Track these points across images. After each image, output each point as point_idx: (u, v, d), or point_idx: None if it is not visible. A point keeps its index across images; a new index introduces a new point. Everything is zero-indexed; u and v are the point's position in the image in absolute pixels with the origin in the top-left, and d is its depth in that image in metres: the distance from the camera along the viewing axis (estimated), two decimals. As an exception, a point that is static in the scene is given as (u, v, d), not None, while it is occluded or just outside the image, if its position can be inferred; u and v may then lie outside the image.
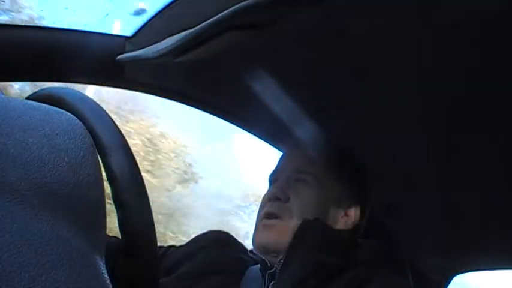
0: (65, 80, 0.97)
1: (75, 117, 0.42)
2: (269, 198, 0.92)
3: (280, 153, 1.05)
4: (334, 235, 0.88)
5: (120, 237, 0.43)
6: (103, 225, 0.39)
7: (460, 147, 0.99)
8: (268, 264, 0.87)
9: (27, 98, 0.49)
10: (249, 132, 1.19)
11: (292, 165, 0.95)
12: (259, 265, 0.90)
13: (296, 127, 1.00)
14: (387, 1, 0.68)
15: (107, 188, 0.41)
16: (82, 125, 0.41)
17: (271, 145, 1.22)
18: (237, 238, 1.02)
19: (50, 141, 0.37)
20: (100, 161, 0.41)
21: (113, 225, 0.43)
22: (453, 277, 1.45)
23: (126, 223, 0.42)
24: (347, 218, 0.93)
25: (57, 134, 0.38)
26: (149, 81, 1.05)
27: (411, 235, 1.25)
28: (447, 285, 1.45)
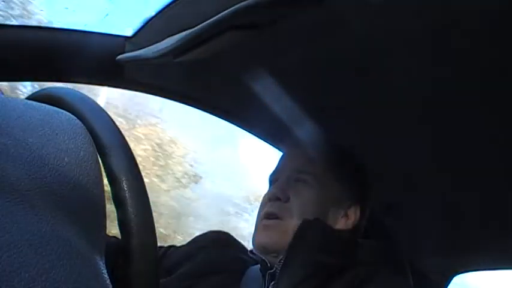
0: (65, 80, 0.97)
1: (75, 117, 0.42)
2: (269, 199, 0.92)
3: (281, 154, 1.05)
4: (334, 235, 0.88)
5: (120, 237, 0.43)
6: (103, 225, 0.39)
7: (460, 147, 0.99)
8: (268, 265, 0.87)
9: (27, 98, 0.49)
10: (249, 132, 1.19)
11: (292, 165, 0.95)
12: (259, 265, 0.90)
13: (296, 127, 1.00)
14: (387, 1, 0.68)
15: (107, 188, 0.41)
16: (82, 125, 0.41)
17: (271, 145, 1.21)
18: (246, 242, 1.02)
19: (50, 141, 0.37)
20: (100, 161, 0.41)
21: (113, 225, 0.43)
22: (453, 277, 1.45)
23: (126, 223, 0.42)
24: (347, 218, 0.93)
25: (57, 134, 0.38)
26: (149, 81, 1.05)
27: (411, 235, 1.25)
28: (447, 285, 1.45)
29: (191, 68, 0.94)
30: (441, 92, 0.86)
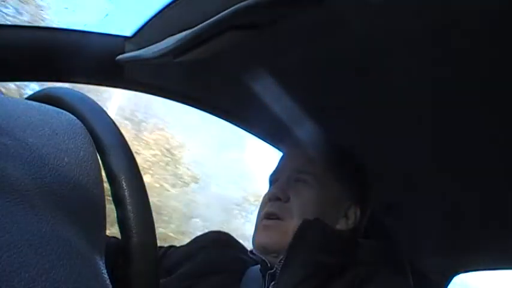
0: (64, 80, 0.97)
1: (75, 117, 0.42)
2: (269, 199, 0.92)
3: (281, 154, 1.05)
4: (335, 235, 0.88)
5: (120, 237, 0.43)
6: (103, 225, 0.39)
7: (460, 147, 0.99)
8: (269, 265, 0.87)
9: (27, 98, 0.49)
10: (249, 132, 1.19)
11: (292, 166, 0.95)
12: (259, 265, 0.90)
13: (296, 127, 1.00)
14: (387, 1, 0.68)
15: (107, 188, 0.41)
16: (82, 125, 0.41)
17: (271, 145, 1.21)
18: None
19: (50, 141, 0.37)
20: (100, 160, 0.41)
21: (113, 226, 0.43)
22: (453, 277, 1.45)
23: (126, 222, 0.42)
24: (347, 218, 0.93)
25: (57, 134, 0.38)
26: (149, 81, 1.05)
27: (411, 235, 1.25)
28: (447, 285, 1.45)
29: (191, 68, 0.94)
30: (441, 92, 0.86)
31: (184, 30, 0.78)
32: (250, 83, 0.93)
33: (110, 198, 0.42)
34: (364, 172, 0.99)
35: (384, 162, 1.07)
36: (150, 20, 0.90)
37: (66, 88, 0.49)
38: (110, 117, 0.46)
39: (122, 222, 0.42)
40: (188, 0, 0.81)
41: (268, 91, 0.94)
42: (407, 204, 1.20)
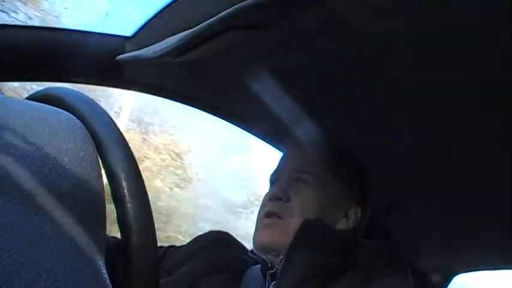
0: (64, 80, 0.97)
1: (75, 117, 0.42)
2: (270, 198, 0.92)
3: (281, 154, 1.05)
4: (335, 235, 0.88)
5: (120, 237, 0.43)
6: (103, 225, 0.39)
7: (460, 147, 0.99)
8: (269, 265, 0.87)
9: (27, 98, 0.49)
10: (249, 132, 1.19)
11: (292, 166, 0.95)
12: (259, 265, 0.90)
13: (296, 127, 1.00)
14: (387, 1, 0.68)
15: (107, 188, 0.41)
16: (82, 125, 0.41)
17: (271, 145, 1.21)
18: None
19: (50, 141, 0.37)
20: (100, 160, 0.41)
21: (113, 226, 0.43)
22: (453, 277, 1.45)
23: (126, 222, 0.42)
24: (347, 218, 0.93)
25: (57, 134, 0.38)
26: (149, 81, 1.05)
27: (411, 235, 1.25)
28: (447, 285, 1.45)
29: (191, 68, 0.94)
30: (441, 92, 0.86)
31: (184, 30, 0.78)
32: (250, 83, 0.93)
33: (110, 198, 0.42)
34: (364, 172, 0.99)
35: (384, 162, 1.07)
36: (150, 20, 0.90)
37: (66, 88, 0.49)
38: (110, 117, 0.46)
39: (121, 221, 0.42)
40: (188, 0, 0.81)
41: (268, 91, 0.94)
42: (407, 204, 1.20)
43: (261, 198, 0.97)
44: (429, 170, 1.09)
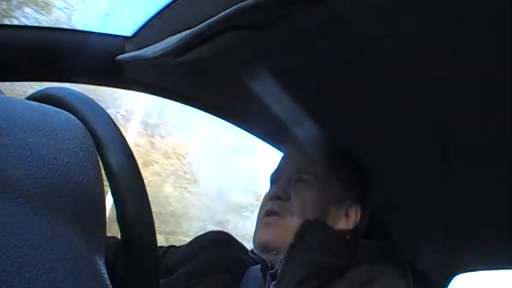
0: (64, 80, 0.97)
1: (75, 117, 0.42)
2: (270, 198, 0.92)
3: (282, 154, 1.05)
4: (335, 235, 0.88)
5: (120, 238, 0.43)
6: (103, 225, 0.39)
7: (460, 147, 0.99)
8: (269, 265, 0.87)
9: (27, 98, 0.49)
10: (249, 132, 1.19)
11: (293, 165, 0.95)
12: (259, 265, 0.90)
13: (296, 127, 1.00)
14: (387, 1, 0.68)
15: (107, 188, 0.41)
16: (82, 125, 0.41)
17: (271, 145, 1.21)
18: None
19: (50, 141, 0.37)
20: (100, 160, 0.41)
21: (112, 226, 0.43)
22: (453, 277, 1.45)
23: (126, 222, 0.42)
24: (348, 217, 0.93)
25: (57, 134, 0.38)
26: (149, 81, 1.05)
27: (411, 235, 1.25)
28: (447, 285, 1.45)
29: (191, 68, 0.94)
30: (441, 92, 0.86)
31: (184, 30, 0.78)
32: (250, 83, 0.93)
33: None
34: (364, 172, 0.99)
35: (384, 162, 1.07)
36: (150, 20, 0.90)
37: (66, 88, 0.49)
38: (109, 117, 0.46)
39: (121, 221, 0.42)
40: (188, 0, 0.82)
41: (268, 91, 0.94)
42: (407, 204, 1.20)
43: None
44: (429, 170, 1.09)
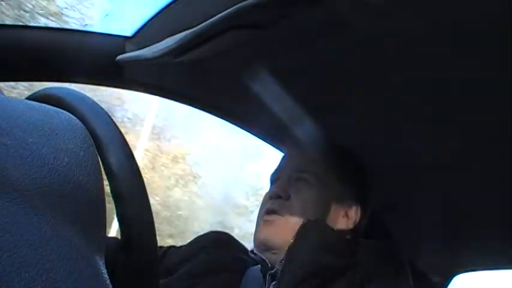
0: (64, 80, 0.97)
1: (75, 117, 0.42)
2: (270, 197, 0.92)
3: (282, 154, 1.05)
4: (335, 235, 0.88)
5: (120, 238, 0.43)
6: (103, 225, 0.39)
7: (460, 147, 0.99)
8: (269, 265, 0.87)
9: (27, 98, 0.49)
10: (249, 132, 1.19)
11: (293, 165, 0.95)
12: (259, 265, 0.90)
13: (296, 127, 1.00)
14: (387, 1, 0.68)
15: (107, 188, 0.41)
16: (82, 125, 0.41)
17: (271, 145, 1.21)
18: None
19: (50, 141, 0.37)
20: (100, 160, 0.41)
21: (113, 226, 0.43)
22: (453, 277, 1.45)
23: (126, 222, 0.42)
24: (348, 217, 0.93)
25: (57, 134, 0.38)
26: (149, 81, 1.05)
27: (411, 235, 1.25)
28: (447, 285, 1.45)
29: (191, 68, 0.94)
30: (441, 92, 0.86)
31: (184, 30, 0.78)
32: (250, 83, 0.93)
33: (110, 198, 0.42)
34: (364, 172, 0.99)
35: (384, 161, 1.07)
36: (150, 20, 0.90)
37: (66, 88, 0.49)
38: (109, 117, 0.46)
39: (122, 221, 0.42)
40: (188, 0, 0.82)
41: (268, 91, 0.94)
42: (407, 204, 1.20)
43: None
44: (429, 170, 1.09)
